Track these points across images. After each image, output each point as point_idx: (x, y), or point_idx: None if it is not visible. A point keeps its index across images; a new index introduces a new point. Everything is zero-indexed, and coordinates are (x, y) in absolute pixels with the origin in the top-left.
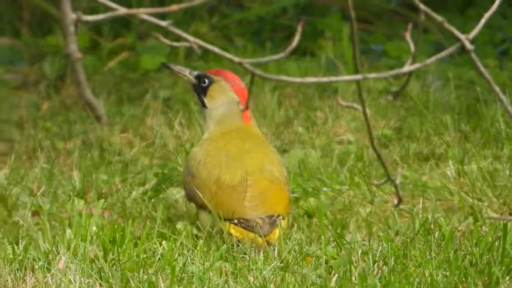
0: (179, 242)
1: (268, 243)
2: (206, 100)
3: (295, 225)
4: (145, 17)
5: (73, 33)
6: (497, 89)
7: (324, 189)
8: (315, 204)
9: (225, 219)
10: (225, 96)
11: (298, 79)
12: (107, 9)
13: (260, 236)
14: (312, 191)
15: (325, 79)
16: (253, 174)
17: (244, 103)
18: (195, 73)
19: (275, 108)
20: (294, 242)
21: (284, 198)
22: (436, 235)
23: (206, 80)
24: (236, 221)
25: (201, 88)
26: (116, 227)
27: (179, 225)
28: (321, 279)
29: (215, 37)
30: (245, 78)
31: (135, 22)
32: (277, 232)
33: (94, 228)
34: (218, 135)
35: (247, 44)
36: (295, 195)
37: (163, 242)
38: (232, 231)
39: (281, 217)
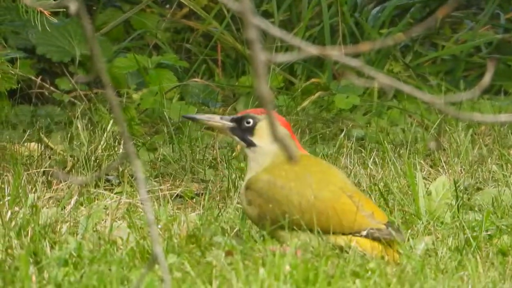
0: (372, 281)
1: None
2: (255, 140)
3: (488, 262)
4: (337, 57)
5: (264, 74)
6: None
7: None
8: (509, 242)
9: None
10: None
11: (490, 117)
12: (299, 49)
13: (401, 241)
14: (505, 229)
15: None
16: (344, 188)
17: (293, 135)
18: (228, 117)
19: (469, 146)
20: (487, 280)
21: (375, 204)
22: None
23: (251, 120)
24: (365, 232)
25: (245, 129)
26: (309, 266)
27: (372, 264)
28: None
29: (408, 77)
30: (438, 117)
31: (329, 61)
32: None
33: (288, 267)
34: (280, 164)
35: (441, 83)
36: (489, 232)
37: (357, 280)
38: (359, 246)
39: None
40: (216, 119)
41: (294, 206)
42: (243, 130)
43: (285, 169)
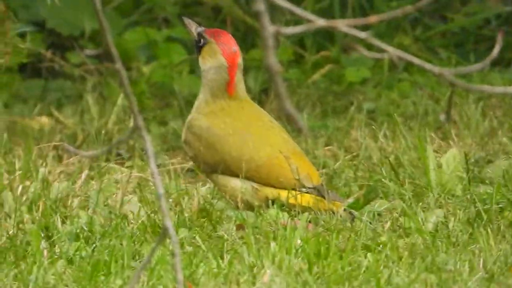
0: (383, 254)
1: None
2: (200, 60)
3: (499, 235)
4: (345, 29)
5: (272, 46)
6: None
7: None
8: None
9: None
10: (214, 59)
11: (500, 89)
12: (308, 22)
13: (334, 201)
14: None
15: None
16: (283, 148)
17: (233, 69)
18: (199, 29)
19: (479, 119)
20: (499, 253)
21: (312, 165)
22: None
23: (202, 40)
24: (304, 189)
25: (198, 47)
26: (321, 240)
27: (384, 237)
28: None
29: (418, 49)
30: (448, 89)
31: (339, 34)
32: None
33: (299, 241)
34: (217, 108)
35: (450, 55)
36: (500, 205)
37: (368, 254)
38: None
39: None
40: (192, 28)
41: (233, 158)
42: (198, 47)
43: (226, 122)
